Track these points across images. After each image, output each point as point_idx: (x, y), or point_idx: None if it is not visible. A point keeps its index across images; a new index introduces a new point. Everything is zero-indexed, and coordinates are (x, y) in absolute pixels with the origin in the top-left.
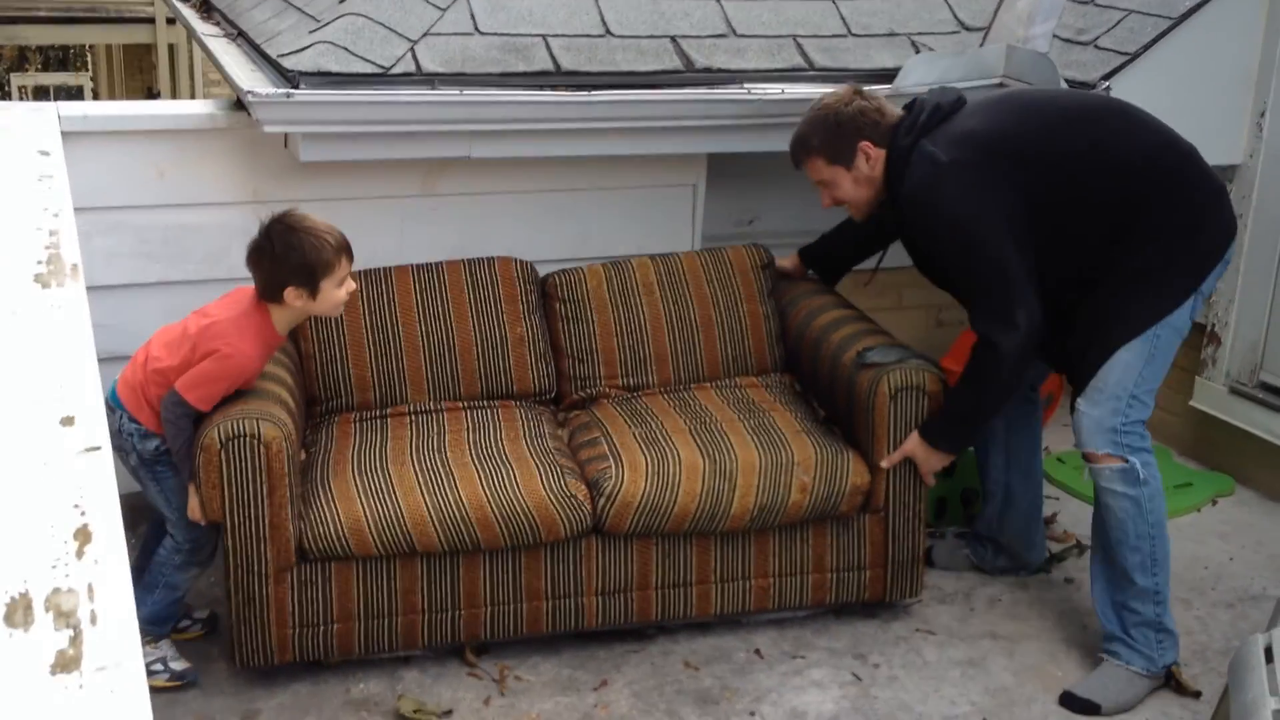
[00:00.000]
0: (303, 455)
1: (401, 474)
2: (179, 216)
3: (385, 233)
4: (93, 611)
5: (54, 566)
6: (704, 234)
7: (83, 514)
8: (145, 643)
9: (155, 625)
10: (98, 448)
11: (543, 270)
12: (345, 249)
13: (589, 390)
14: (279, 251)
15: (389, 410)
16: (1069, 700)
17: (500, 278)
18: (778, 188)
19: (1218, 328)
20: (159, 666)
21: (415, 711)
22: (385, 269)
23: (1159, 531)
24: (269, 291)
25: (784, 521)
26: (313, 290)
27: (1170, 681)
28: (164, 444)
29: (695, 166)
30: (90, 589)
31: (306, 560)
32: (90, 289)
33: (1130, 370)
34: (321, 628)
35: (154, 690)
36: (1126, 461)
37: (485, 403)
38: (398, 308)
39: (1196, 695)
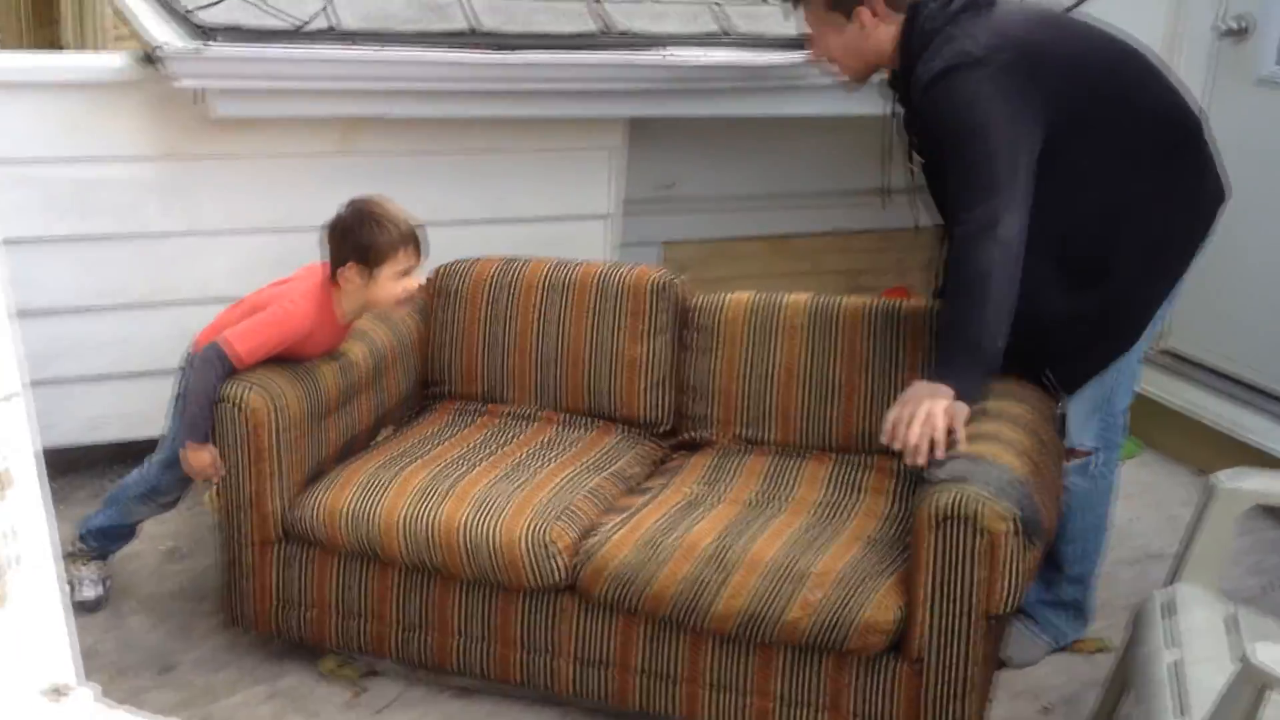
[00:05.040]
0: (388, 432)
1: (408, 477)
2: (89, 171)
3: (301, 191)
4: (15, 554)
5: None
6: (625, 198)
7: (2, 460)
8: (76, 554)
9: (98, 540)
10: (14, 395)
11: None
12: (411, 242)
13: (699, 433)
14: (345, 227)
15: (487, 407)
16: None
17: (631, 289)
18: (697, 153)
19: None
20: (72, 586)
21: (338, 668)
22: (522, 259)
23: (1100, 524)
24: (332, 266)
25: (782, 639)
26: (369, 272)
27: (1069, 648)
28: None
29: (614, 130)
30: (12, 532)
31: (291, 539)
32: None
33: (1111, 368)
34: (299, 610)
35: None
36: (1087, 455)
37: (584, 420)
38: (519, 301)
39: (1100, 650)
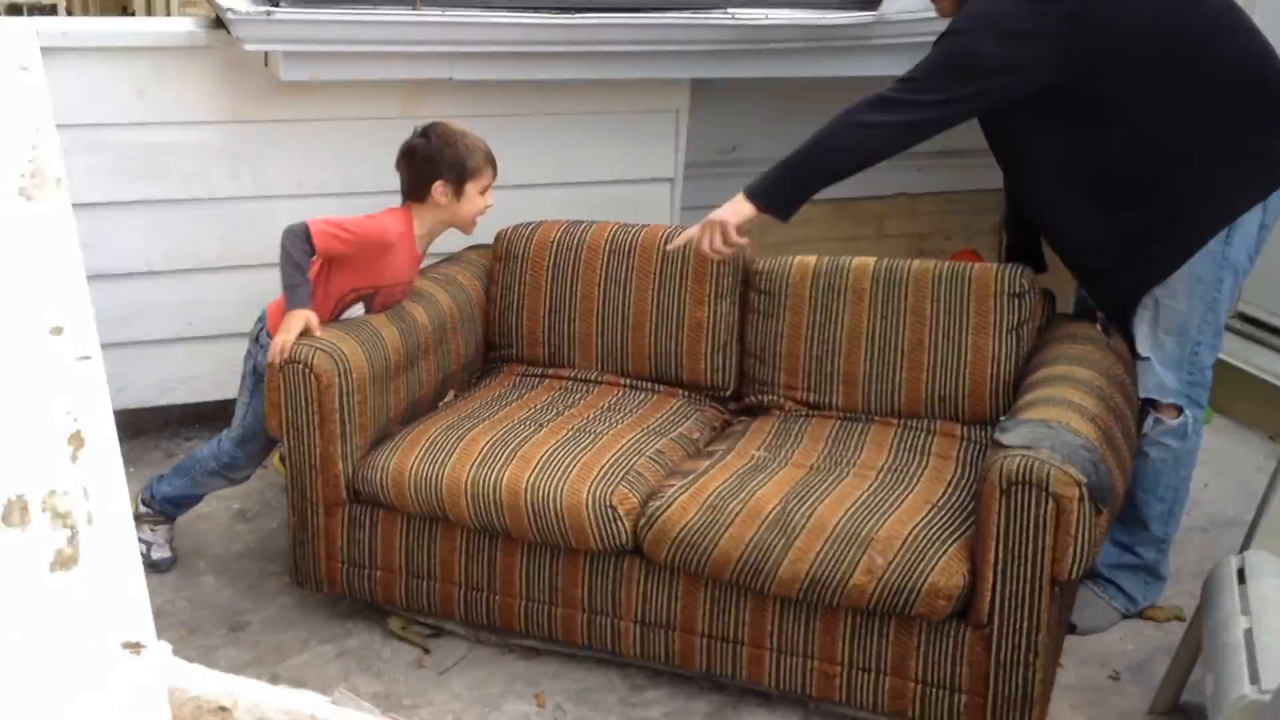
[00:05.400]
0: (451, 395)
1: (473, 439)
2: (159, 135)
3: (366, 155)
4: (89, 512)
5: (49, 470)
6: (688, 161)
7: (76, 420)
8: (146, 519)
9: (167, 505)
10: (88, 357)
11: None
12: (491, 160)
13: (763, 397)
14: (434, 147)
15: (550, 371)
16: None
17: (694, 252)
18: (761, 115)
19: None
20: (142, 549)
21: (404, 628)
22: (585, 222)
23: (1185, 484)
24: (416, 188)
25: (846, 604)
26: (459, 188)
27: (1141, 614)
28: None
29: (678, 92)
30: (86, 491)
31: (359, 500)
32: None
33: (1192, 315)
34: (367, 570)
35: None
36: (1181, 415)
37: (647, 384)
38: (582, 265)
39: (1174, 619)
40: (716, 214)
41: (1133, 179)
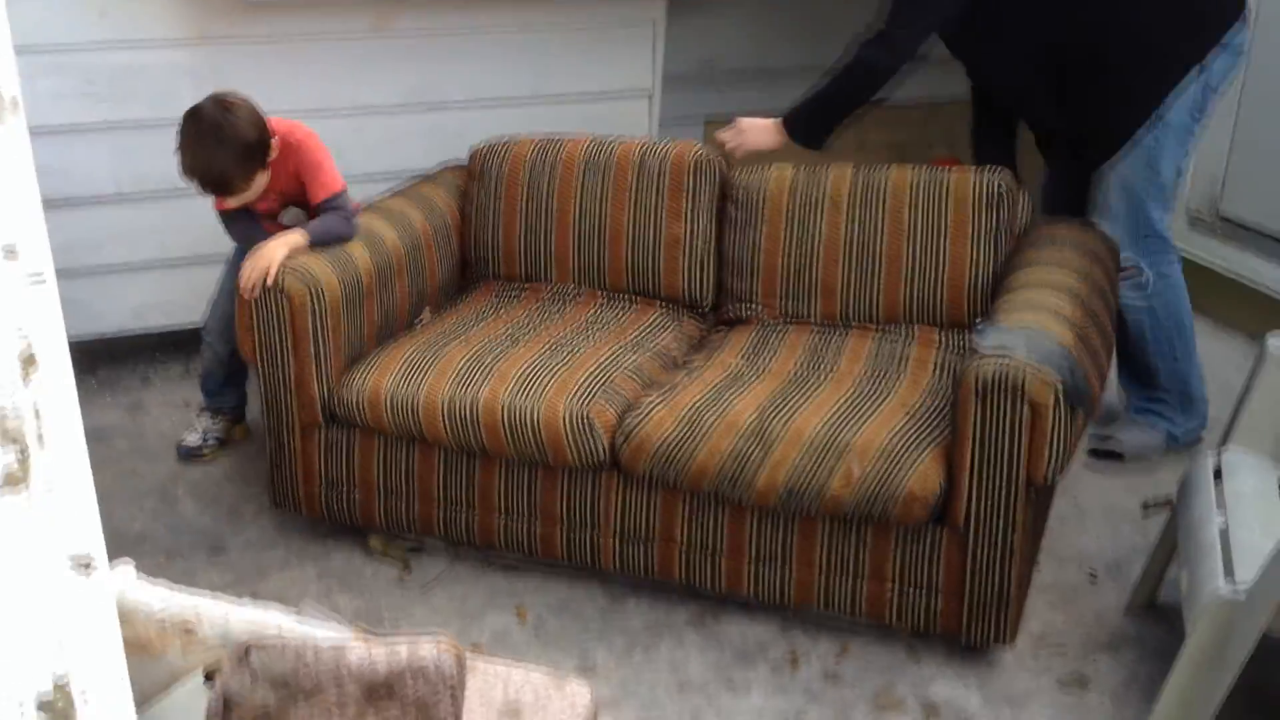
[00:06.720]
0: (427, 314)
1: (449, 357)
2: (124, 56)
3: (337, 73)
4: (40, 434)
5: None
6: (666, 74)
7: (27, 341)
8: (200, 410)
9: (203, 390)
10: (41, 278)
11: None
12: (196, 176)
13: (741, 309)
14: None
15: (528, 286)
16: (1092, 451)
17: (670, 166)
18: (738, 25)
19: None
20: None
21: (385, 547)
22: (558, 138)
23: (1179, 324)
24: None
25: (824, 512)
26: None
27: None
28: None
29: (655, 2)
30: (36, 411)
31: (335, 422)
32: (34, 131)
33: (1134, 173)
34: (345, 491)
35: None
36: (1140, 271)
37: (626, 299)
38: (558, 180)
39: (1165, 505)
40: (753, 140)
41: (1084, 52)
